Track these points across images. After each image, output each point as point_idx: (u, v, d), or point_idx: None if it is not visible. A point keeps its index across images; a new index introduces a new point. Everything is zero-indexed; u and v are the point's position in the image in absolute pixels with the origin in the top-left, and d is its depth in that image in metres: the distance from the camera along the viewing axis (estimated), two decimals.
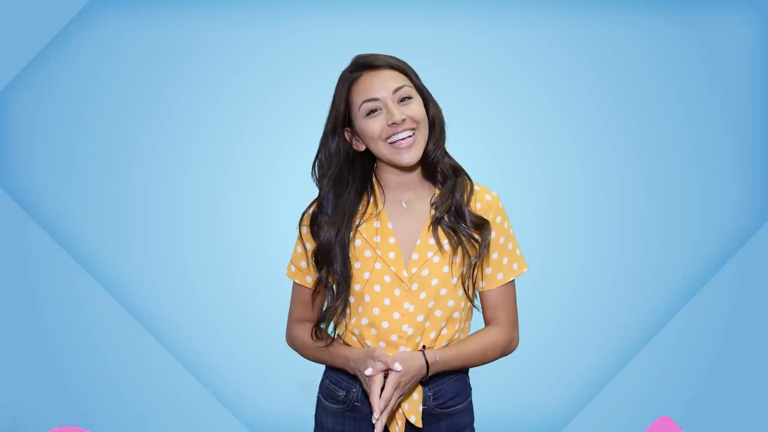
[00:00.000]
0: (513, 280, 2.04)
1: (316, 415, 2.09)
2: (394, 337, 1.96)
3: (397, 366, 1.87)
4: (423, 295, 1.96)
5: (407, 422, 1.98)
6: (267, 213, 3.65)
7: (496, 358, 2.02)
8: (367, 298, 1.97)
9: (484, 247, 1.98)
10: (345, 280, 1.96)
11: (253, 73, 3.70)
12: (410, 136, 1.92)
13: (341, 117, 1.96)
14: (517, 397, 3.65)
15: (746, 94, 3.71)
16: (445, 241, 1.98)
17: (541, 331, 3.40)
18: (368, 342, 1.98)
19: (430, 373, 1.94)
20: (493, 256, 2.02)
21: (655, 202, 3.77)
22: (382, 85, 1.92)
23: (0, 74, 3.64)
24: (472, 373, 2.08)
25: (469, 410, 2.06)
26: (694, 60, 3.71)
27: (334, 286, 1.98)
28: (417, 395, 1.97)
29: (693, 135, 3.74)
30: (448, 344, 2.00)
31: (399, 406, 1.96)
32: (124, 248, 3.75)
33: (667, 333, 3.77)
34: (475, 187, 2.03)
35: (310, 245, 2.01)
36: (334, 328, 2.05)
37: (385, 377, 1.89)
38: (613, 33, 3.71)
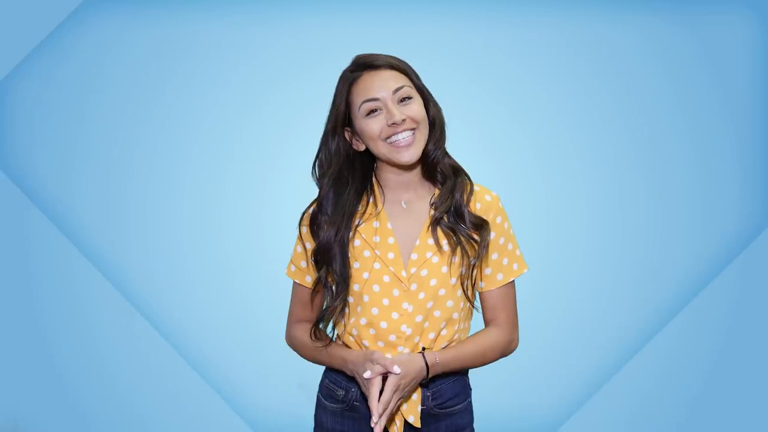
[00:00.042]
0: (513, 281, 2.03)
1: (315, 415, 2.09)
2: (392, 338, 1.96)
3: (396, 369, 1.86)
4: (422, 296, 1.96)
5: (406, 422, 1.98)
6: (267, 213, 3.65)
7: (495, 359, 2.02)
8: (365, 298, 1.97)
9: (483, 248, 1.98)
10: (344, 279, 1.96)
11: (252, 73, 3.70)
12: (410, 136, 1.93)
13: (341, 116, 1.96)
14: (516, 397, 3.65)
15: (745, 93, 3.71)
16: (444, 242, 1.97)
17: (541, 332, 3.40)
18: (366, 342, 1.98)
19: (429, 375, 1.94)
20: (493, 256, 2.01)
21: (654, 201, 3.76)
22: (382, 85, 1.92)
23: (3, 61, 3.65)
24: (472, 373, 2.07)
25: (469, 410, 2.06)
26: (693, 60, 3.71)
27: (333, 286, 1.98)
28: (416, 395, 1.97)
29: (692, 135, 3.74)
30: (447, 345, 2.00)
31: (398, 407, 1.96)
32: (124, 241, 3.75)
33: (665, 335, 3.77)
34: (475, 188, 2.03)
35: (310, 245, 2.02)
36: (333, 329, 2.05)
37: (384, 379, 1.88)
38: (612, 32, 3.72)
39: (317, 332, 2.03)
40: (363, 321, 1.97)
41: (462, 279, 1.98)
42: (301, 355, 2.10)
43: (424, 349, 1.97)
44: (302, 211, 2.05)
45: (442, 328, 1.98)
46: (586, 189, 3.75)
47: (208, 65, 3.70)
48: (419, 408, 1.97)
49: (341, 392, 2.02)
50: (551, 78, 3.74)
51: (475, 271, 2.00)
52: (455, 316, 1.99)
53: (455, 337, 2.01)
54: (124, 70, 3.71)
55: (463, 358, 1.95)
